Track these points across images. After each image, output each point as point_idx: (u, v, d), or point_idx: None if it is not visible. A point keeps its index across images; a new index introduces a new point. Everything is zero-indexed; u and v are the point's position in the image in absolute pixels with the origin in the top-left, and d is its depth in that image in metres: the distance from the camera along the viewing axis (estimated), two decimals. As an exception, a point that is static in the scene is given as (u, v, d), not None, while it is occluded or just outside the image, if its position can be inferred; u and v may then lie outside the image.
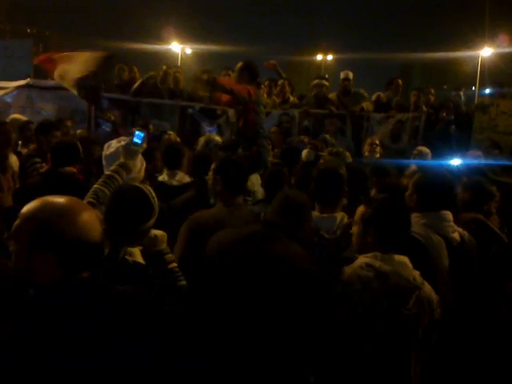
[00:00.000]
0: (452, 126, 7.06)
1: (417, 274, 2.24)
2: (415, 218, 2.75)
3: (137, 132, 3.14)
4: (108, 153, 3.31)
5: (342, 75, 8.00)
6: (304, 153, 5.09)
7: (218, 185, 3.08)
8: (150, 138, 5.26)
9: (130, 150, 3.09)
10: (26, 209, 1.56)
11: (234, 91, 5.29)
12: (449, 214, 2.83)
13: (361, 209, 2.40)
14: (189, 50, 25.46)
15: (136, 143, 3.10)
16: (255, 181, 4.30)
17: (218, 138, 5.40)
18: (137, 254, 2.34)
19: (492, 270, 2.96)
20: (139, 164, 3.32)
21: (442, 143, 6.43)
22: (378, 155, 5.98)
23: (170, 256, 2.36)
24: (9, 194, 2.63)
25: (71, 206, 1.57)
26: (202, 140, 5.43)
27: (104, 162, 3.32)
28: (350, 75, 7.93)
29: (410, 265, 2.24)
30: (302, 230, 2.41)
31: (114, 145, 3.31)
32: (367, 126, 7.55)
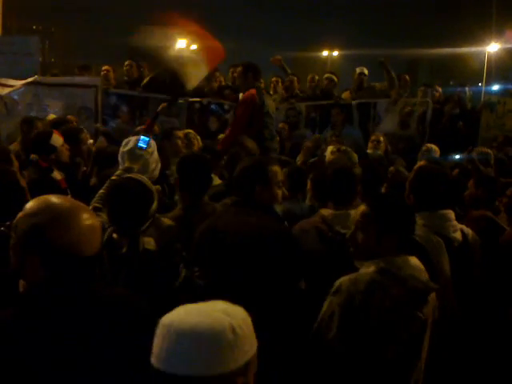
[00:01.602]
0: (459, 122, 7.02)
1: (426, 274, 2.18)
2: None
3: (142, 136, 3.18)
4: (122, 150, 3.32)
5: (357, 70, 7.96)
6: (328, 149, 5.09)
7: (177, 184, 3.01)
8: (160, 135, 5.27)
9: (134, 154, 3.13)
10: (28, 205, 1.52)
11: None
12: (450, 213, 2.75)
13: (361, 209, 2.26)
14: (194, 46, 25.46)
15: (141, 147, 3.12)
16: None
17: None
18: (152, 243, 2.38)
19: (500, 267, 2.94)
20: (154, 164, 3.34)
21: (449, 139, 6.40)
22: (379, 152, 5.95)
23: (179, 245, 2.44)
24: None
25: (72, 213, 1.49)
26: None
27: (120, 159, 3.33)
28: (366, 70, 7.90)
29: (421, 265, 2.18)
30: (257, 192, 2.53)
31: (131, 143, 3.32)
32: (374, 114, 7.52)
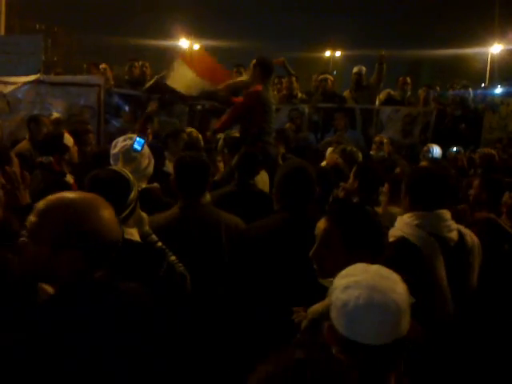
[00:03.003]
0: (462, 124, 7.02)
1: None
2: (408, 218, 2.66)
3: (137, 138, 3.17)
4: (114, 152, 3.32)
5: (354, 69, 7.98)
6: (329, 150, 5.09)
7: (174, 185, 2.97)
8: (166, 135, 5.28)
9: (128, 156, 3.13)
10: (45, 206, 1.51)
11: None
12: (445, 213, 2.69)
13: (321, 224, 2.05)
14: (197, 46, 25.47)
15: (136, 149, 3.12)
16: (260, 178, 4.14)
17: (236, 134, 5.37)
18: (136, 235, 2.38)
19: (504, 269, 2.94)
20: (146, 161, 3.33)
21: (451, 140, 6.39)
22: (381, 153, 5.95)
23: (154, 236, 2.44)
24: (25, 191, 2.61)
25: (94, 202, 1.56)
26: (221, 138, 5.39)
27: (111, 161, 3.33)
28: (363, 70, 7.90)
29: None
30: None
31: (119, 144, 3.31)
32: (377, 121, 7.52)
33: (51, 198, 1.55)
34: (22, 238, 1.51)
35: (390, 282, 1.43)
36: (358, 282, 1.41)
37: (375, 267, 1.49)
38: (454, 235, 2.66)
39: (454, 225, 2.70)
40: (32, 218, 1.50)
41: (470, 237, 2.73)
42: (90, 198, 1.58)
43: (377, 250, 2.00)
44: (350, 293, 1.38)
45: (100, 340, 1.46)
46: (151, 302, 1.69)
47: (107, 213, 1.56)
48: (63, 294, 1.51)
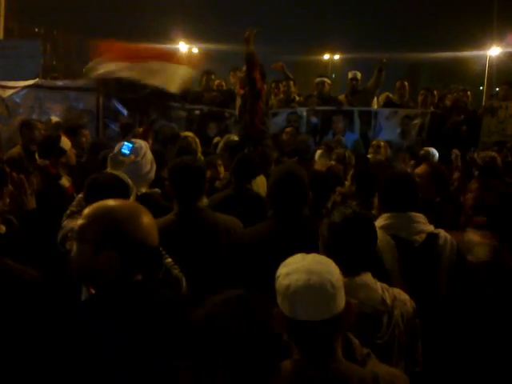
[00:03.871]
0: (463, 126, 7.01)
1: (384, 290, 1.99)
2: (377, 221, 2.65)
3: (126, 143, 3.17)
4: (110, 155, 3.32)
5: (349, 75, 8.00)
6: (318, 153, 5.09)
7: (170, 190, 2.93)
8: (165, 140, 5.27)
9: (116, 160, 3.12)
10: (91, 210, 1.64)
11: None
12: (418, 216, 2.72)
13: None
14: (196, 50, 25.54)
15: (124, 153, 3.12)
16: (260, 182, 4.16)
17: (236, 138, 5.37)
18: None
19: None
20: (148, 166, 3.31)
21: (451, 143, 6.37)
22: (379, 156, 5.95)
23: None
24: (32, 197, 2.62)
25: (135, 209, 1.67)
26: (221, 141, 5.37)
27: None
28: (358, 75, 7.92)
29: (374, 283, 1.99)
30: None
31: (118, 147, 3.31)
32: (375, 123, 7.54)
33: (97, 204, 1.68)
34: (70, 240, 1.64)
35: (325, 266, 1.58)
36: (297, 268, 1.57)
37: (312, 255, 1.65)
38: (420, 237, 2.71)
39: (426, 227, 2.74)
40: (80, 221, 1.64)
41: (445, 237, 2.74)
42: (131, 204, 1.71)
43: (359, 257, 2.00)
44: (290, 278, 1.55)
45: (134, 342, 1.51)
46: (186, 311, 1.69)
47: (147, 219, 1.65)
48: (101, 295, 1.60)
